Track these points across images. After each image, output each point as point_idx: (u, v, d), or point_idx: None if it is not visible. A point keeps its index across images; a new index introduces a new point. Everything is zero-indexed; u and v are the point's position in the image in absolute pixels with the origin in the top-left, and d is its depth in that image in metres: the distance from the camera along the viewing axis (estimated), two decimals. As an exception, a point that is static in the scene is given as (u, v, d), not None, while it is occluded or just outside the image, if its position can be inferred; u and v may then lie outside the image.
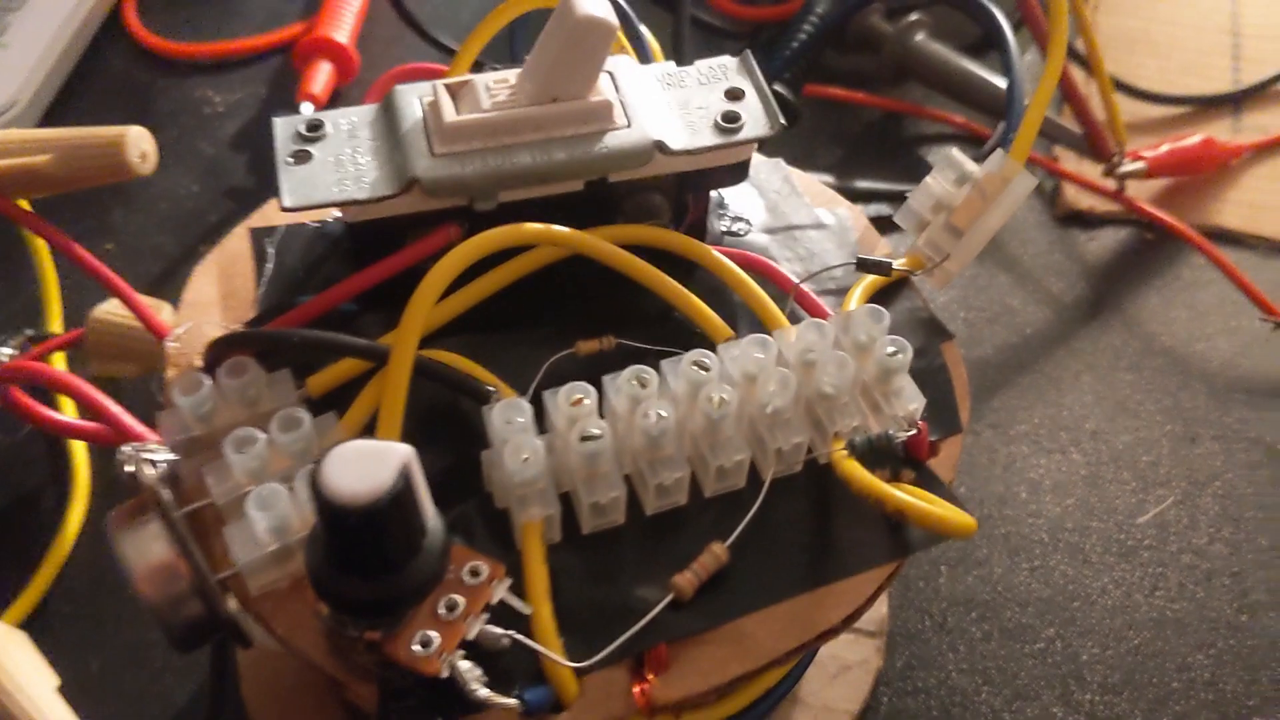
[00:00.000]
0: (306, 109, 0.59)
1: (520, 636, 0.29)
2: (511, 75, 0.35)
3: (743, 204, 0.40)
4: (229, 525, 0.30)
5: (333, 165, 0.34)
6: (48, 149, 0.40)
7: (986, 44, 0.66)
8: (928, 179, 0.37)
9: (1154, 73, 0.68)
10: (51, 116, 0.60)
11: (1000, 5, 0.45)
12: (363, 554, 0.27)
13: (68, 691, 0.39)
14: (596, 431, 0.31)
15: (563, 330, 0.35)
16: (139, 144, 0.40)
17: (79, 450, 0.48)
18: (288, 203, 0.33)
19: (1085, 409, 0.53)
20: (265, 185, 0.59)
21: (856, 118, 0.66)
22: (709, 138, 0.35)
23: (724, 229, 0.40)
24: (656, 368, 0.32)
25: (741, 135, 0.35)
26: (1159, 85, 0.67)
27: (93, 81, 0.63)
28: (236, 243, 0.39)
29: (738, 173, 0.37)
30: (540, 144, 0.34)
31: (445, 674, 0.28)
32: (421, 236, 0.35)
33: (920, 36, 0.64)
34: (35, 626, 0.43)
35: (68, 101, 0.61)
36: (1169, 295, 0.58)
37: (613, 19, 0.33)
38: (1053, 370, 0.54)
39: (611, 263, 0.35)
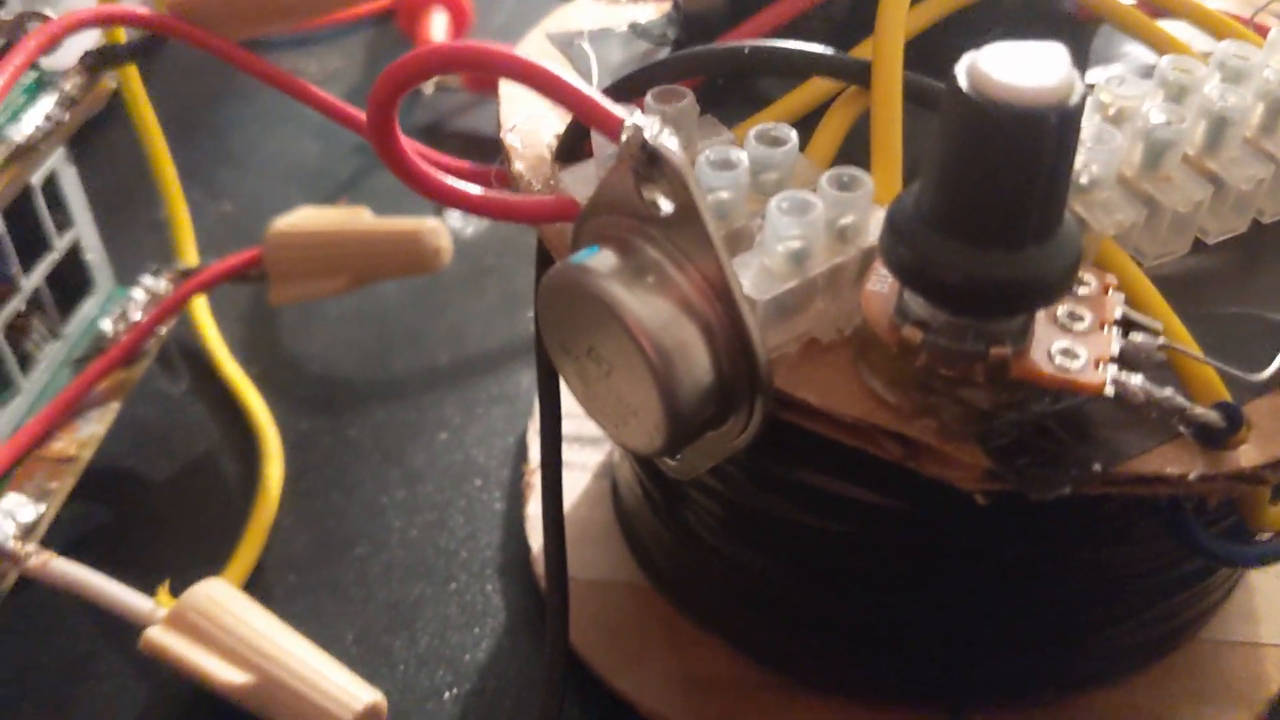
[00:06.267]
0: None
1: (1181, 347, 0.21)
2: None
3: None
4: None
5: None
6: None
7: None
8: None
9: None
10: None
11: None
12: (1022, 194, 0.19)
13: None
14: (1164, 117, 0.24)
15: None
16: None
17: (252, 399, 0.38)
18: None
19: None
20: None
21: None
22: None
23: None
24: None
25: None
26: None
27: (159, 65, 0.54)
28: (533, 48, 0.31)
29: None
30: None
31: (1110, 391, 0.20)
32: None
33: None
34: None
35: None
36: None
37: None
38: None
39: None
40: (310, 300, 0.40)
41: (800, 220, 0.21)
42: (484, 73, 0.22)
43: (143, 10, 0.31)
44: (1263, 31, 0.30)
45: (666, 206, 0.21)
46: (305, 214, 0.38)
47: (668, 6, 0.32)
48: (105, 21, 0.31)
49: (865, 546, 0.27)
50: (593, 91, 0.21)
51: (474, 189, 0.24)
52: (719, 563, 0.30)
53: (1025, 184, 0.19)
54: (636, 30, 0.31)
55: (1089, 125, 0.24)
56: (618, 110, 0.21)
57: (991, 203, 0.19)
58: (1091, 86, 0.25)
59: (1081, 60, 0.31)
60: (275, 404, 0.39)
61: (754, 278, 0.22)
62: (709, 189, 0.23)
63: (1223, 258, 0.25)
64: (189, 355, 0.40)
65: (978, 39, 0.31)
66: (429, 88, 0.52)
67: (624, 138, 0.21)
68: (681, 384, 0.21)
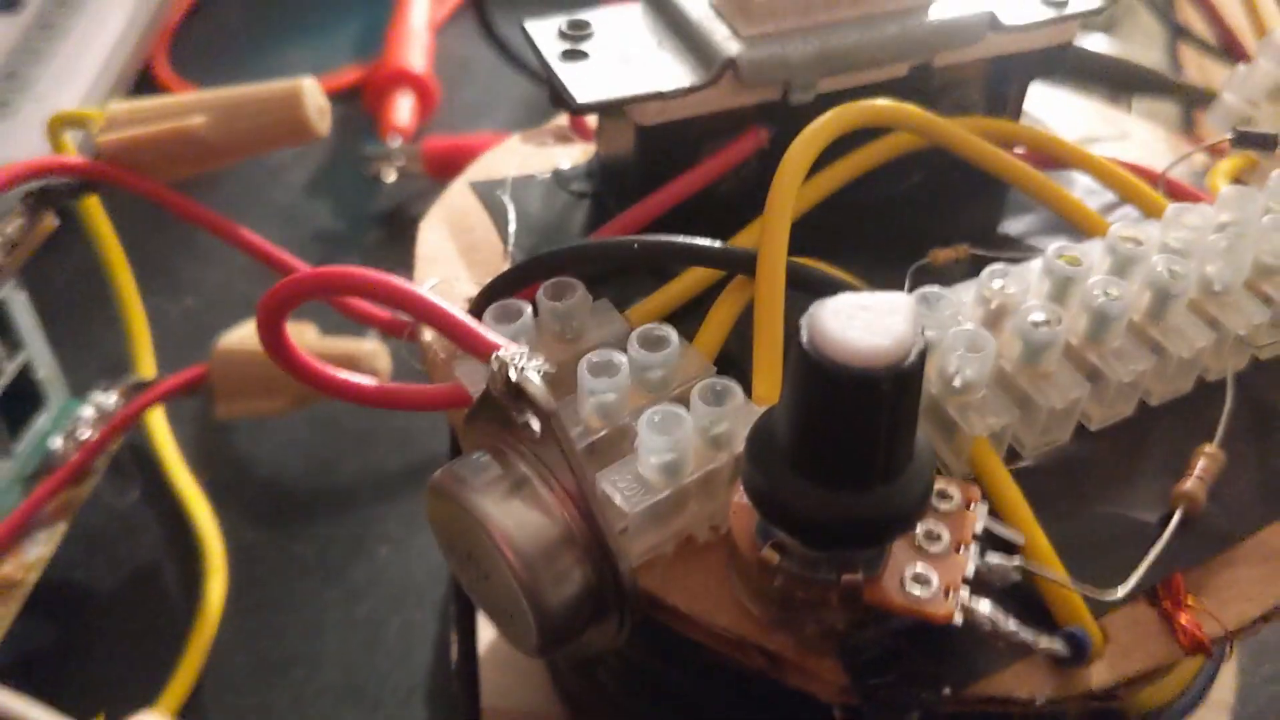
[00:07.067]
0: (396, 142, 0.53)
1: (1035, 567, 0.22)
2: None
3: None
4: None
5: (617, 61, 0.28)
6: (203, 110, 0.33)
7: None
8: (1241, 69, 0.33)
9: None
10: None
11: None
12: (864, 444, 0.19)
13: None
14: (1043, 316, 0.24)
15: (894, 244, 0.29)
16: (315, 97, 0.33)
17: (200, 511, 0.39)
18: (581, 99, 0.27)
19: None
20: (358, 229, 0.52)
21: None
22: (1039, 11, 0.30)
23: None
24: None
25: (1071, 9, 0.30)
26: None
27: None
28: (457, 198, 0.32)
29: (1053, 61, 0.32)
30: (863, 20, 0.29)
31: (959, 620, 0.21)
32: (723, 146, 0.29)
33: None
34: (193, 726, 0.33)
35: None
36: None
37: None
38: None
39: (976, 156, 0.29)
40: (255, 417, 0.40)
41: (670, 436, 0.22)
42: (362, 298, 0.23)
43: (75, 159, 0.32)
44: (1173, 190, 0.31)
45: (535, 426, 0.22)
46: (251, 330, 0.39)
47: (594, 147, 0.33)
48: (39, 173, 0.32)
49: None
50: (464, 317, 0.22)
51: (367, 381, 0.25)
52: (625, 715, 0.30)
53: (865, 436, 0.19)
54: (558, 179, 0.32)
55: (968, 323, 0.24)
56: (489, 336, 0.22)
57: (836, 448, 0.20)
58: (980, 272, 0.26)
59: (997, 209, 0.32)
60: (224, 513, 0.39)
61: (626, 489, 0.22)
62: (590, 393, 0.23)
63: (1106, 444, 0.25)
64: (142, 459, 0.41)
65: (897, 186, 0.32)
66: (390, 175, 0.52)
67: (492, 369, 0.21)
68: (548, 595, 0.22)
